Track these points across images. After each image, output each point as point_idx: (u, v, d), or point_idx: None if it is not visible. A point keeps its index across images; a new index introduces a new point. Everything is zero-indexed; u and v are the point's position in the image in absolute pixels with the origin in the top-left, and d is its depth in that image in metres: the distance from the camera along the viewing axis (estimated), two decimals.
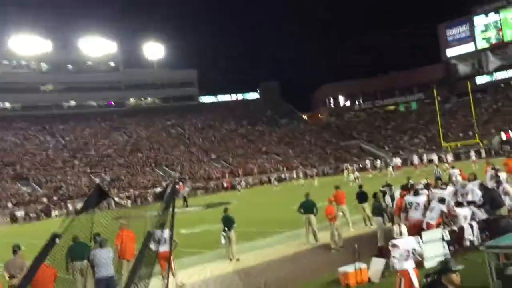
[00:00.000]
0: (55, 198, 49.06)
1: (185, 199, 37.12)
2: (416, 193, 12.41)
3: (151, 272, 4.96)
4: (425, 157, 51.53)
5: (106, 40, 77.26)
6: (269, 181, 55.90)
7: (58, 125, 68.75)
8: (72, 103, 76.80)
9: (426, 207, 11.57)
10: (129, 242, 10.79)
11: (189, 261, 14.39)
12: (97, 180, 52.06)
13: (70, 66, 77.57)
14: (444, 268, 4.56)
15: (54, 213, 44.31)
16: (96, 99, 78.44)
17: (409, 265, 7.56)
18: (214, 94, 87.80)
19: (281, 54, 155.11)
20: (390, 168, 42.26)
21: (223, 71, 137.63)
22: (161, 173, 58.90)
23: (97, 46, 76.59)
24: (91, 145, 65.10)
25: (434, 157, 48.26)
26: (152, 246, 5.12)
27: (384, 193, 15.38)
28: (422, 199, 12.02)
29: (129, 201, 45.51)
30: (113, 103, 79.10)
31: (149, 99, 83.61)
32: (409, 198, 12.38)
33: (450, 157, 47.42)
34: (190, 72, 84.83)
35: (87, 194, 40.45)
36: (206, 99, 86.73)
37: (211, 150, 67.94)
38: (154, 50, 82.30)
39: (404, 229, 8.06)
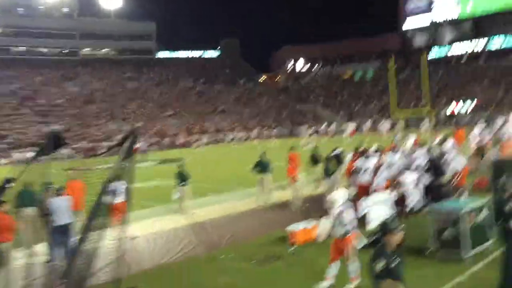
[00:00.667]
0: (1, 146, 47.41)
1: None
2: (367, 157, 12.92)
3: (106, 223, 5.06)
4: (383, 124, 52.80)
5: None
6: (224, 140, 56.18)
7: (5, 71, 65.48)
8: (22, 48, 73.10)
9: (375, 171, 12.08)
10: (78, 193, 10.73)
11: (142, 214, 14.43)
12: (47, 130, 50.54)
13: (20, 10, 73.36)
14: (384, 228, 4.87)
15: (1, 161, 42.95)
16: (47, 46, 74.94)
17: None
18: (173, 49, 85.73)
19: (244, 12, 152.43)
20: (346, 133, 43.40)
21: (183, 26, 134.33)
22: (115, 127, 57.79)
23: None
24: (41, 94, 62.68)
25: (387, 124, 49.82)
26: (108, 197, 5.20)
27: (336, 157, 15.90)
28: (372, 162, 12.51)
29: (81, 153, 44.54)
30: (65, 51, 75.86)
31: (104, 50, 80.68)
32: (360, 162, 12.87)
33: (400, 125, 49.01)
34: (149, 25, 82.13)
35: (36, 143, 39.24)
36: (164, 54, 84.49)
37: (167, 106, 67.04)
38: None
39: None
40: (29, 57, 70.68)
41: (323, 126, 57.42)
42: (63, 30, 73.86)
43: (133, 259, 10.08)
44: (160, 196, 17.10)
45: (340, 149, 16.48)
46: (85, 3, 77.16)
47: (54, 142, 5.79)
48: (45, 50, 74.76)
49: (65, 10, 76.20)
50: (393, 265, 4.63)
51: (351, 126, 52.46)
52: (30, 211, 9.93)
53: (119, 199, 6.93)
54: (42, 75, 67.44)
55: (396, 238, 4.78)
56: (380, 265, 4.58)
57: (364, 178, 12.29)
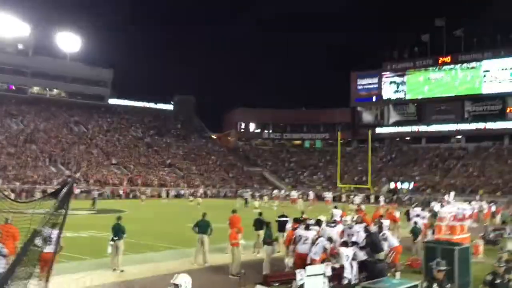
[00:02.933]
0: None
1: (94, 201, 38.16)
2: (307, 227, 13.03)
3: (32, 272, 4.75)
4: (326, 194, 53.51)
5: (18, 20, 72.05)
6: (167, 195, 55.11)
7: None
8: None
9: (314, 242, 12.16)
10: (9, 239, 10.07)
11: (70, 266, 13.69)
12: None
13: None
14: None
15: None
16: None
17: None
18: (127, 98, 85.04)
19: (200, 71, 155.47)
20: (300, 200, 43.78)
21: (140, 76, 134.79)
22: (54, 170, 55.62)
23: (7, 25, 71.15)
24: None
25: (329, 195, 50.85)
26: (39, 244, 4.93)
27: (281, 223, 16.00)
28: (311, 233, 12.61)
29: (13, 195, 42.22)
30: (14, 87, 73.65)
31: (55, 91, 78.97)
32: (300, 231, 12.95)
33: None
34: (105, 71, 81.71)
35: None
36: (117, 101, 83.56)
37: (113, 154, 65.59)
38: (70, 41, 78.11)
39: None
40: None
41: (274, 191, 57.70)
42: (15, 66, 72.06)
43: None
44: (94, 248, 16.33)
45: (286, 217, 16.59)
46: (41, 42, 76.32)
47: None
48: None
49: (20, 47, 74.73)
50: None
51: (294, 193, 52.98)
52: None
53: (49, 249, 6.55)
54: None
55: None
56: None
57: (303, 248, 12.31)
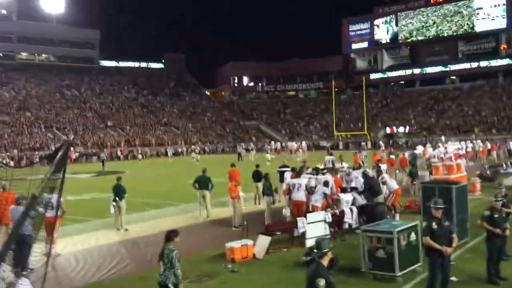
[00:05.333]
0: None
1: (103, 163, 38.86)
2: (299, 175, 13.18)
3: (40, 236, 4.79)
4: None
5: None
6: (166, 153, 55.32)
7: None
8: None
9: (308, 189, 12.34)
10: (7, 205, 10.14)
11: (74, 229, 13.92)
12: None
13: None
14: (316, 247, 5.10)
15: None
16: None
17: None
18: (116, 59, 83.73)
19: (190, 25, 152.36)
20: (301, 151, 44.36)
21: (128, 36, 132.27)
22: (51, 136, 55.48)
23: None
24: None
25: (326, 144, 51.28)
26: (40, 209, 4.94)
27: (282, 173, 16.20)
28: (303, 180, 12.78)
29: (12, 162, 42.25)
30: (1, 54, 72.21)
31: (44, 56, 77.59)
32: (293, 180, 13.13)
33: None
34: (92, 32, 79.98)
35: None
36: (107, 63, 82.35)
37: (108, 117, 65.24)
38: (54, 3, 75.95)
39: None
40: None
41: (271, 144, 57.73)
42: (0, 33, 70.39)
43: (59, 277, 9.63)
44: (97, 210, 16.53)
45: (288, 167, 16.76)
46: (25, 6, 74.21)
47: None
48: None
49: (3, 12, 72.72)
50: (332, 282, 4.82)
51: (293, 145, 53.30)
52: None
53: (50, 213, 6.57)
54: None
55: (328, 257, 5.02)
56: (321, 284, 4.72)
57: (297, 195, 12.50)
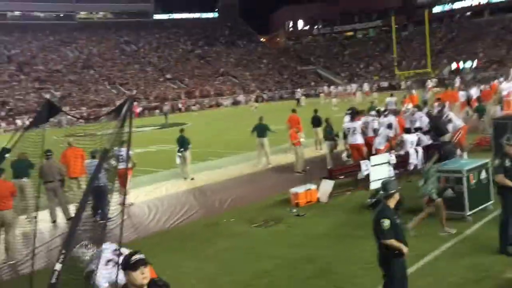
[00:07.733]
0: (2, 113, 47.36)
1: (166, 116, 39.45)
2: (352, 118, 12.99)
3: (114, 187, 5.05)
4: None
5: None
6: (224, 104, 55.93)
7: (2, 36, 64.53)
8: (17, 13, 71.84)
9: (363, 131, 12.42)
10: (76, 160, 10.72)
11: (144, 179, 14.59)
12: (47, 97, 50.28)
13: None
14: (383, 189, 5.06)
15: (2, 128, 42.93)
16: (43, 10, 73.53)
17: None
18: (170, 11, 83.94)
19: None
20: (358, 93, 43.52)
21: None
22: (115, 92, 57.49)
23: None
24: (39, 60, 62.06)
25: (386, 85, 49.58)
26: (113, 162, 5.15)
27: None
28: (357, 124, 12.61)
29: (82, 120, 44.31)
30: (62, 15, 74.51)
31: (101, 14, 79.26)
32: (347, 124, 12.96)
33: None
34: None
35: (36, 110, 39.05)
36: (161, 16, 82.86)
37: (167, 70, 66.41)
38: None
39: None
40: (25, 22, 69.48)
41: (330, 88, 56.57)
42: None
43: (135, 224, 10.22)
44: (163, 161, 17.16)
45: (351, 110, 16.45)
46: None
47: (49, 111, 5.68)
48: (41, 14, 73.48)
49: None
50: (397, 223, 4.80)
51: (354, 87, 52.01)
52: (24, 181, 9.76)
53: (122, 165, 6.87)
54: (38, 40, 66.59)
55: (394, 199, 4.95)
56: (385, 224, 4.72)
57: (353, 139, 12.42)
